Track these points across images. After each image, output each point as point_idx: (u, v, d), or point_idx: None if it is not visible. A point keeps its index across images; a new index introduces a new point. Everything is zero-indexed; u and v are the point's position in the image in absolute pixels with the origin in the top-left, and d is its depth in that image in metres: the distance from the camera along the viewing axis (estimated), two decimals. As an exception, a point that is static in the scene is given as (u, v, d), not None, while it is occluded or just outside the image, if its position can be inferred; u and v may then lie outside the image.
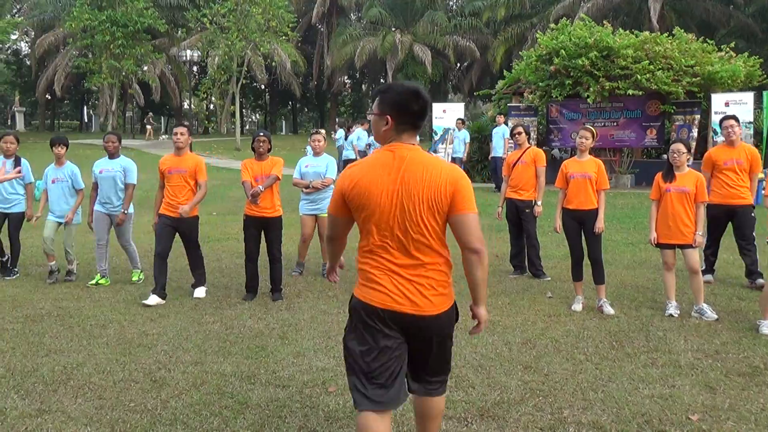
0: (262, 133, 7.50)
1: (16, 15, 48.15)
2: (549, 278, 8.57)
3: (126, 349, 5.77)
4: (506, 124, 18.64)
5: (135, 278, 8.32)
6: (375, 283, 3.04)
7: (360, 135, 19.32)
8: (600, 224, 6.98)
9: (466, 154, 19.26)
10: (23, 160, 8.57)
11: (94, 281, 8.14)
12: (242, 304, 7.34)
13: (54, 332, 6.27)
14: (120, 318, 6.76)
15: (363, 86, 61.74)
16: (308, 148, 10.17)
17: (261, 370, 5.22)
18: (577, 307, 7.13)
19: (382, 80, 50.76)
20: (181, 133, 7.41)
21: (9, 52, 56.64)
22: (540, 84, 19.62)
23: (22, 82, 57.07)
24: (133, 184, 8.15)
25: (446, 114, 20.85)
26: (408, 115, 3.03)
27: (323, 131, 8.80)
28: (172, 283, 8.14)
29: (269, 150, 7.52)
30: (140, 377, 5.10)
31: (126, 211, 8.09)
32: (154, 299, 7.25)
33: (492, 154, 18.93)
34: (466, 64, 50.72)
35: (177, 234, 7.53)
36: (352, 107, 65.09)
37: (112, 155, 8.10)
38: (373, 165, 3.04)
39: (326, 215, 3.62)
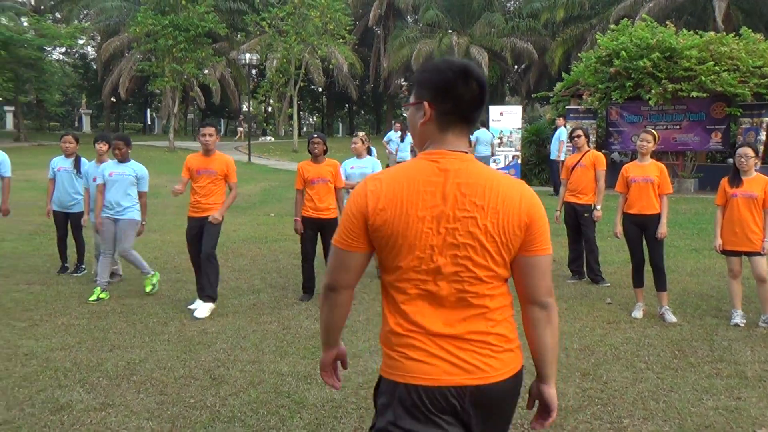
0: (317, 135, 7.53)
1: (83, 20, 49.69)
2: (608, 284, 8.41)
3: (186, 347, 5.89)
4: (565, 127, 18.35)
5: (148, 288, 7.79)
6: (415, 351, 2.08)
7: (392, 137, 19.23)
8: (663, 229, 6.82)
9: (560, 154, 18.53)
10: (83, 159, 8.78)
11: (93, 297, 7.49)
12: (299, 304, 7.40)
13: (118, 328, 6.44)
14: (180, 316, 6.90)
15: None
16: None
17: (317, 371, 5.25)
18: (638, 314, 6.98)
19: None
20: (210, 134, 6.99)
21: (76, 56, 58.58)
22: (599, 86, 19.28)
23: (89, 86, 58.96)
24: (146, 192, 7.86)
25: (503, 117, 20.66)
26: (453, 101, 2.09)
27: (361, 134, 8.80)
28: (230, 283, 8.29)
29: (325, 152, 7.55)
30: (200, 374, 5.20)
31: (144, 222, 7.82)
32: (201, 306, 7.06)
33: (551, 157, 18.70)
34: (523, 66, 50.23)
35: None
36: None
37: (122, 160, 7.71)
38: (408, 179, 2.08)
39: None
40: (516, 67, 50.43)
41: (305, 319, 6.82)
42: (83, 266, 8.85)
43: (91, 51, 59.08)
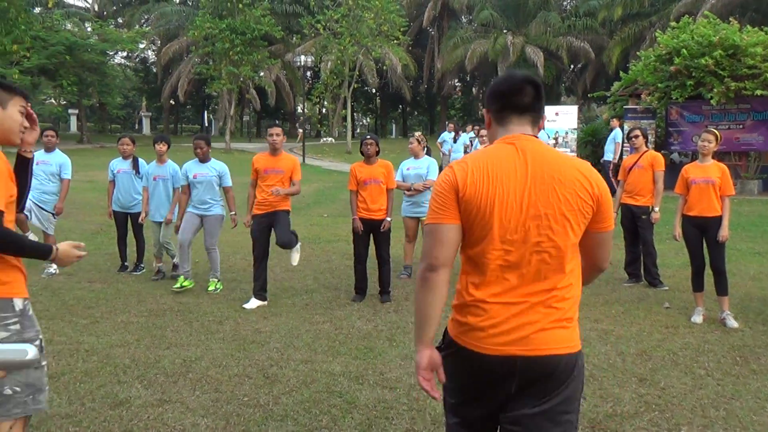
0: (369, 137, 7.57)
1: (144, 25, 50.97)
2: (667, 288, 8.22)
3: (240, 345, 5.97)
4: (622, 129, 18.02)
5: (211, 288, 8.01)
6: (481, 319, 2.28)
7: (445, 138, 19.37)
8: (724, 232, 6.63)
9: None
10: (140, 161, 9.00)
11: (178, 285, 7.92)
12: (351, 305, 7.43)
13: (175, 326, 6.57)
14: (235, 315, 6.97)
15: (473, 89, 61.36)
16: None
17: (369, 371, 5.28)
18: (698, 318, 6.80)
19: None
20: (277, 134, 7.29)
21: (137, 60, 60.13)
22: (659, 85, 18.86)
23: (149, 89, 60.60)
24: (231, 187, 8.17)
25: (559, 117, 20.39)
26: (506, 97, 2.35)
27: (418, 134, 8.85)
28: (284, 283, 8.37)
29: (377, 153, 7.58)
30: (254, 373, 5.26)
31: (234, 213, 8.08)
32: (255, 303, 7.35)
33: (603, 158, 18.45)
34: (580, 65, 49.48)
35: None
36: (462, 110, 64.80)
37: (203, 160, 8.00)
38: (492, 157, 2.29)
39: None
40: (572, 66, 49.70)
41: (357, 319, 6.85)
42: (142, 265, 9.06)
43: (151, 55, 60.71)
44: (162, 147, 8.44)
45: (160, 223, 8.62)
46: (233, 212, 8.06)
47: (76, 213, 13.96)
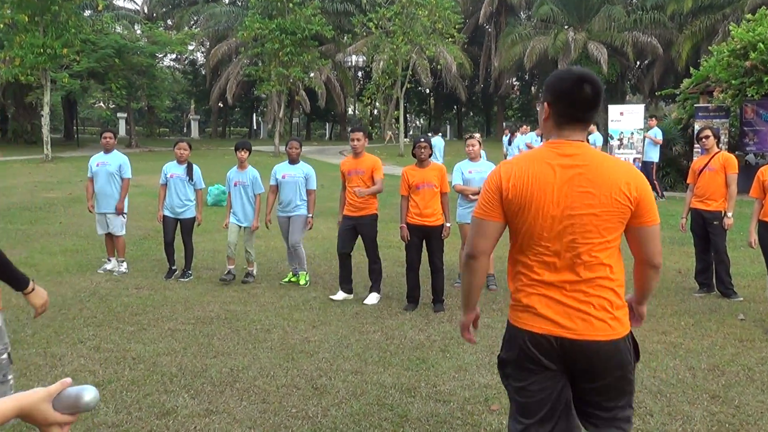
0: (422, 139, 7.58)
1: (193, 27, 52.00)
2: (741, 298, 7.98)
3: (288, 355, 6.02)
4: (659, 128, 18.11)
5: (302, 281, 8.72)
6: (532, 306, 2.67)
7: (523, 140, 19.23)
8: (804, 239, 6.41)
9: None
10: (195, 167, 9.22)
11: (303, 280, 8.75)
12: (403, 314, 7.42)
13: (222, 335, 6.65)
14: (283, 323, 7.01)
15: (532, 88, 60.82)
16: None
17: (421, 383, 5.26)
18: (775, 332, 6.59)
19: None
20: (357, 139, 7.90)
21: (186, 62, 61.35)
22: (733, 82, 18.34)
23: (197, 91, 61.44)
24: (314, 190, 8.84)
25: (624, 117, 20.02)
26: (567, 103, 2.61)
27: (478, 135, 8.82)
28: (334, 290, 8.38)
29: (430, 156, 7.60)
30: (302, 383, 5.30)
31: (311, 216, 8.81)
32: (341, 295, 7.98)
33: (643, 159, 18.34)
34: (646, 61, 48.57)
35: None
36: (520, 110, 64.20)
37: (294, 161, 8.76)
38: (534, 161, 2.65)
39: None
40: (638, 63, 48.86)
41: (409, 329, 6.82)
42: (190, 272, 9.19)
43: (200, 57, 61.77)
44: (243, 154, 8.87)
45: (240, 227, 9.00)
46: (310, 215, 8.79)
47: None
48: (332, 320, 7.13)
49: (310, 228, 8.88)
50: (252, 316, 7.29)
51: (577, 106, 2.61)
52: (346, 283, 8.06)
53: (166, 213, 9.15)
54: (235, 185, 8.98)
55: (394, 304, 7.84)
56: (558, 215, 2.60)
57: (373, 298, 7.93)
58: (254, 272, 9.10)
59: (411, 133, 64.33)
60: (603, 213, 2.59)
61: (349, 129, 8.28)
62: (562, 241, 2.61)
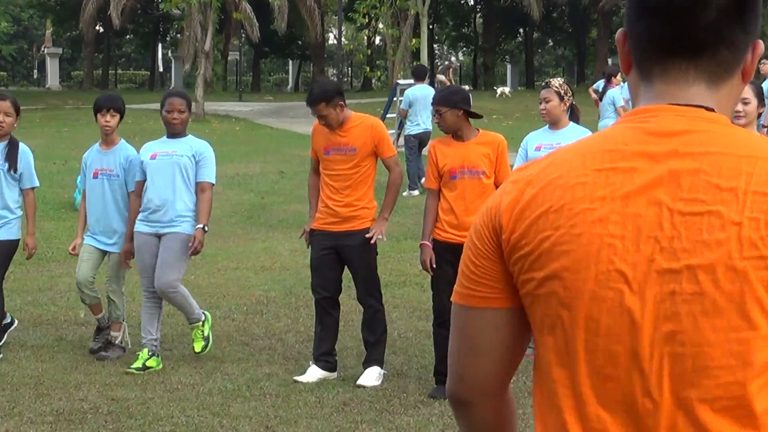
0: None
1: None
2: None
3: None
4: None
5: (199, 346, 6.41)
6: None
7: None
8: None
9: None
10: (22, 147, 6.41)
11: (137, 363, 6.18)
12: (430, 404, 5.59)
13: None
14: (213, 423, 5.11)
15: None
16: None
17: None
18: None
19: None
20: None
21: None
22: None
23: (58, 4, 41.16)
24: (210, 185, 6.60)
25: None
26: (649, 17, 1.20)
27: (557, 82, 6.27)
28: (302, 364, 6.20)
29: (477, 116, 5.81)
30: None
31: (203, 227, 6.39)
32: (316, 372, 6.03)
33: None
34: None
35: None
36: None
37: (176, 131, 6.11)
38: (582, 153, 1.25)
39: None
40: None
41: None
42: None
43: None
44: (109, 119, 6.36)
45: (100, 251, 6.78)
46: (200, 225, 6.40)
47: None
48: (301, 418, 5.30)
49: (197, 252, 6.12)
50: (155, 410, 5.29)
51: (667, 18, 1.21)
52: (325, 353, 5.99)
53: None
54: (95, 176, 6.40)
55: (411, 386, 5.85)
56: (643, 267, 1.16)
57: (372, 377, 5.91)
58: (122, 341, 6.42)
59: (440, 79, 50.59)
60: (749, 252, 1.12)
61: (307, 102, 5.75)
62: (657, 357, 1.16)
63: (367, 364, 6.01)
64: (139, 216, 6.07)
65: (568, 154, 1.30)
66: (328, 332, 6.05)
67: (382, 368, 6.05)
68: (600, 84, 14.44)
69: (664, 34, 1.23)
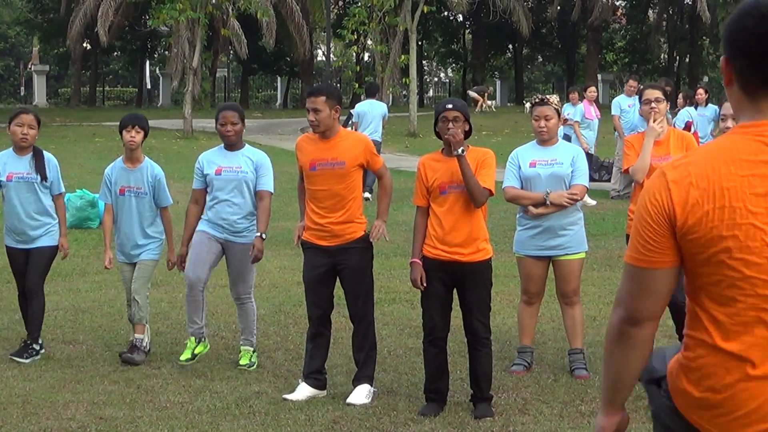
0: (451, 105, 5.64)
1: None
2: None
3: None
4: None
5: (245, 360, 6.48)
6: (739, 408, 1.80)
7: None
8: None
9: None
10: (47, 156, 6.55)
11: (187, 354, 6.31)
12: (419, 422, 5.40)
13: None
14: None
15: (650, 14, 44.01)
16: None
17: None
18: None
19: None
20: (318, 109, 5.58)
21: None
22: None
23: (45, 21, 40.92)
24: (269, 193, 6.83)
25: None
26: (754, 55, 1.72)
27: (554, 98, 6.12)
28: (292, 382, 6.07)
29: (469, 134, 5.48)
30: None
31: (262, 234, 6.57)
32: (305, 390, 5.88)
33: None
34: None
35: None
36: (627, 51, 45.92)
37: (232, 144, 6.33)
38: (721, 158, 1.78)
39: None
40: None
41: None
42: (38, 346, 6.77)
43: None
44: (135, 136, 6.50)
45: (131, 265, 6.85)
46: (259, 234, 6.49)
47: None
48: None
49: (258, 259, 6.25)
50: (144, 429, 5.19)
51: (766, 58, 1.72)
52: (315, 371, 5.85)
53: (9, 242, 6.61)
54: (122, 193, 6.50)
55: (401, 404, 5.74)
56: None
57: (362, 395, 5.80)
58: (146, 344, 6.52)
59: (429, 95, 46.95)
60: None
61: (308, 92, 5.86)
62: None
63: (356, 381, 5.96)
64: (206, 220, 6.24)
65: (714, 162, 1.76)
66: (320, 350, 6.01)
67: (372, 386, 5.98)
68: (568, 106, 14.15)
69: (765, 73, 1.69)
